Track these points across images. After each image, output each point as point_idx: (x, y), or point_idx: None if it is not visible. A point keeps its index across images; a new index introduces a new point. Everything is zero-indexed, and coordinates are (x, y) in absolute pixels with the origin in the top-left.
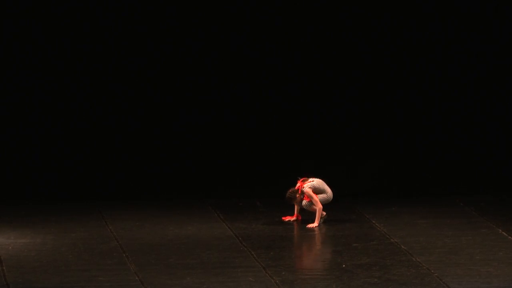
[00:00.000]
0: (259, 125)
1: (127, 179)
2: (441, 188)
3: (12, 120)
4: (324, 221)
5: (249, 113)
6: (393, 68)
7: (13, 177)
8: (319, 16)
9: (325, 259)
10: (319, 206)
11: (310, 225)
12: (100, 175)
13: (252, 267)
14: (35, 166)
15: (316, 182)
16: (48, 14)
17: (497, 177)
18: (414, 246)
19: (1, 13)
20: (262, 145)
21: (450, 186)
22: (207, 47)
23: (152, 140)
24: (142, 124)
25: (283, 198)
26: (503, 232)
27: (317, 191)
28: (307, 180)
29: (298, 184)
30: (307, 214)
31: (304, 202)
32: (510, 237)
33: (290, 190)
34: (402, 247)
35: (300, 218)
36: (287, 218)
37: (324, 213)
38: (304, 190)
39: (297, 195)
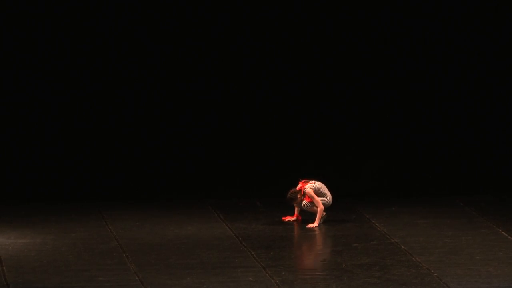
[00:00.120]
0: (259, 125)
1: (127, 179)
2: (441, 188)
3: (12, 120)
4: (324, 221)
5: (249, 113)
6: (393, 68)
7: (13, 177)
8: (319, 16)
9: (325, 259)
10: (320, 207)
11: (310, 225)
12: (100, 175)
13: (252, 267)
14: (35, 166)
15: (317, 185)
16: (48, 14)
17: (497, 177)
18: (414, 246)
19: (2, 13)
20: (262, 145)
21: (450, 186)
22: (207, 47)
23: (152, 140)
24: (142, 124)
25: (283, 198)
26: (503, 232)
27: (317, 193)
28: (308, 181)
29: (299, 185)
30: (307, 214)
31: (305, 202)
32: (510, 237)
33: (292, 191)
34: (402, 247)
35: (300, 218)
36: (287, 218)
37: (324, 213)
38: (306, 191)
39: (298, 196)
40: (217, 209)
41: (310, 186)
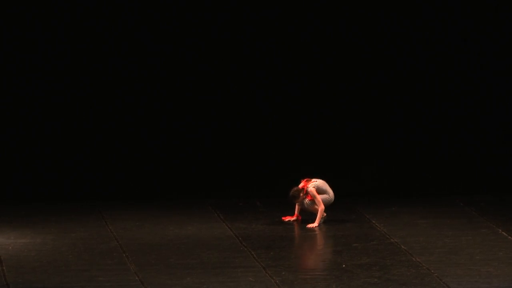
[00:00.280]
0: (259, 125)
1: (127, 179)
2: (441, 188)
3: (12, 120)
4: (324, 221)
5: (249, 113)
6: (393, 68)
7: (13, 177)
8: (319, 15)
9: (325, 259)
10: (321, 207)
11: (310, 225)
12: (100, 175)
13: (252, 267)
14: (35, 166)
15: (319, 183)
16: (47, 13)
17: (497, 177)
18: (414, 246)
19: (2, 13)
20: (262, 145)
21: (450, 186)
22: (208, 47)
23: (152, 140)
24: (142, 124)
25: (285, 196)
26: (503, 232)
27: (319, 191)
28: (310, 180)
29: (302, 184)
30: (307, 214)
31: (306, 201)
32: (510, 237)
33: (294, 189)
34: (402, 247)
35: (300, 218)
36: (287, 218)
37: (325, 214)
38: (309, 190)
39: (301, 194)
40: (217, 209)
41: (313, 185)
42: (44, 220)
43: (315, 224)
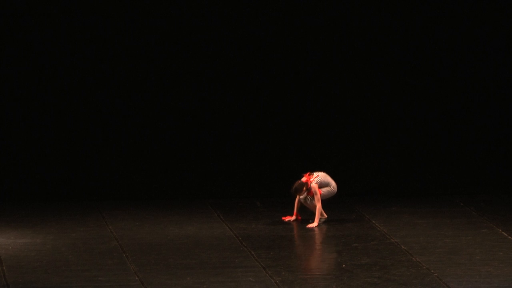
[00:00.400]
0: (259, 125)
1: (127, 179)
2: (441, 188)
3: (13, 120)
4: (324, 221)
5: (249, 113)
6: (394, 68)
7: (13, 177)
8: (318, 15)
9: (325, 259)
10: (319, 206)
11: (310, 225)
12: (100, 175)
13: (252, 267)
14: (35, 166)
15: (321, 176)
16: (46, 13)
17: (497, 177)
18: (414, 246)
19: (2, 13)
20: (262, 145)
21: (450, 186)
22: (208, 48)
23: (152, 140)
24: (142, 124)
25: (288, 191)
26: (503, 232)
27: (322, 185)
28: (312, 174)
29: (304, 178)
30: (307, 214)
31: (308, 197)
32: (510, 237)
33: (298, 182)
34: (402, 247)
35: (300, 218)
36: (287, 218)
37: (326, 216)
38: (312, 185)
39: (304, 188)
40: (217, 209)
41: (315, 181)
42: (44, 220)
43: (315, 224)
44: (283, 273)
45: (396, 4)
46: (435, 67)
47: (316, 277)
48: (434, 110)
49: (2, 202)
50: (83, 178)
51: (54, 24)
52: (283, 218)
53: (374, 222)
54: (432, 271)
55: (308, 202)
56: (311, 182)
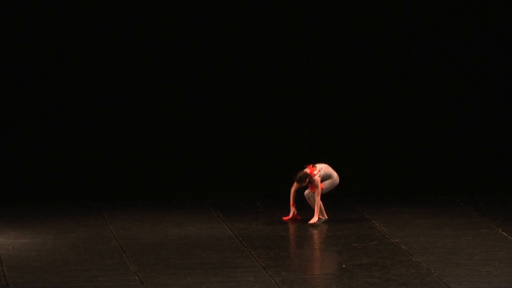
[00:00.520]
0: (259, 126)
1: (127, 179)
2: (441, 188)
3: (13, 121)
4: (324, 221)
5: (250, 114)
6: (394, 68)
7: (13, 177)
8: (317, 14)
9: (325, 259)
10: (318, 199)
11: (311, 221)
12: (100, 175)
13: (252, 267)
14: (35, 166)
15: (323, 168)
16: (44, 13)
17: (497, 177)
18: (414, 246)
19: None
20: (262, 145)
21: (450, 186)
22: (209, 47)
23: (152, 140)
24: (142, 124)
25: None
26: (503, 232)
27: (324, 177)
28: (315, 166)
29: (308, 169)
30: (307, 214)
31: (310, 194)
32: (510, 237)
33: (303, 172)
34: (402, 247)
35: (299, 218)
36: (288, 217)
37: (326, 217)
38: (314, 178)
39: (307, 179)
40: (217, 209)
41: (318, 174)
42: (44, 220)
43: (315, 219)
44: (283, 273)
45: (396, 4)
46: (435, 67)
47: (316, 277)
48: (434, 110)
49: (2, 202)
50: (83, 178)
51: (54, 23)
52: (284, 218)
53: (374, 222)
54: (432, 271)
55: (312, 199)
56: (314, 175)
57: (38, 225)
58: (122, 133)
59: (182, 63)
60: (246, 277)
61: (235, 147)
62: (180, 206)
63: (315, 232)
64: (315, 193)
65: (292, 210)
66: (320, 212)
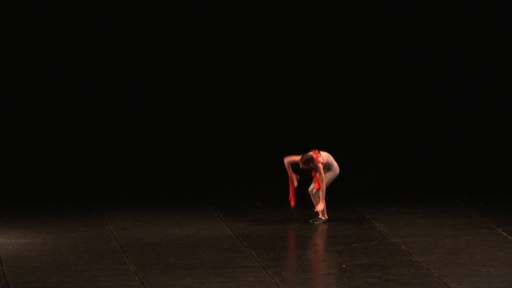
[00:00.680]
0: (259, 126)
1: (127, 179)
2: (441, 188)
3: (13, 121)
4: (324, 221)
5: (250, 114)
6: (394, 69)
7: (13, 177)
8: (316, 14)
9: (325, 259)
10: (324, 186)
11: (318, 208)
12: (100, 175)
13: (252, 267)
14: (35, 166)
15: (325, 156)
16: (43, 12)
17: (497, 177)
18: (414, 246)
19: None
20: (263, 145)
21: (450, 186)
22: (211, 47)
23: (152, 140)
24: (142, 124)
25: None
26: (503, 232)
27: (325, 167)
28: (320, 153)
29: (314, 154)
30: (308, 215)
31: (312, 188)
32: (510, 237)
33: (308, 154)
34: (402, 247)
35: (296, 181)
36: (292, 197)
37: (326, 217)
38: (318, 165)
39: (311, 164)
40: (217, 209)
41: (322, 161)
42: (44, 220)
43: (321, 205)
44: (283, 273)
45: (396, 4)
46: (435, 68)
47: (316, 277)
48: (434, 110)
49: (2, 202)
50: (83, 178)
51: (54, 23)
52: (291, 196)
53: (374, 222)
54: (432, 271)
55: (316, 196)
56: (319, 162)
57: (38, 225)
58: (122, 133)
59: (182, 63)
60: (246, 277)
61: (235, 147)
62: (180, 206)
63: (315, 232)
64: (320, 178)
65: (294, 177)
66: (321, 212)
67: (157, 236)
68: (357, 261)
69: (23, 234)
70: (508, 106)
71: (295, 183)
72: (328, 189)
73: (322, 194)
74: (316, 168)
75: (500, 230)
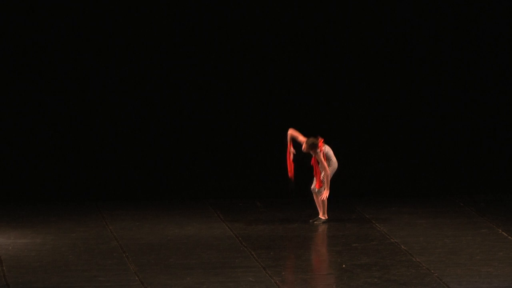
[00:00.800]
0: (259, 126)
1: (127, 179)
2: (441, 188)
3: (13, 121)
4: (324, 221)
5: (250, 114)
6: (394, 69)
7: (13, 177)
8: (317, 14)
9: (325, 259)
10: (327, 172)
11: (323, 196)
12: (100, 175)
13: (252, 267)
14: (35, 166)
15: (327, 149)
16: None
17: (497, 177)
18: (414, 246)
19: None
20: (263, 146)
21: (450, 186)
22: (211, 47)
23: (152, 140)
24: (142, 124)
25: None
26: (503, 232)
27: (326, 159)
28: (324, 145)
29: (319, 142)
30: (309, 214)
31: (314, 186)
32: (510, 237)
33: (315, 139)
34: (402, 247)
35: (294, 151)
36: (290, 168)
37: (326, 217)
38: (320, 153)
39: (313, 150)
40: (217, 209)
41: (324, 151)
42: (44, 220)
43: (326, 193)
44: (283, 273)
45: (396, 3)
46: (435, 67)
47: (316, 277)
48: (434, 110)
49: (2, 202)
50: (83, 178)
51: (54, 23)
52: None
53: (374, 222)
54: (432, 271)
55: (317, 193)
56: (321, 150)
57: (38, 225)
58: (122, 133)
59: (182, 63)
60: (246, 277)
61: (235, 147)
62: (180, 206)
63: (315, 232)
64: (322, 166)
65: (292, 151)
66: (322, 212)
67: (157, 236)
68: (357, 261)
69: (23, 234)
70: (508, 106)
71: (291, 157)
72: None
73: (326, 180)
74: (317, 156)
75: (500, 230)
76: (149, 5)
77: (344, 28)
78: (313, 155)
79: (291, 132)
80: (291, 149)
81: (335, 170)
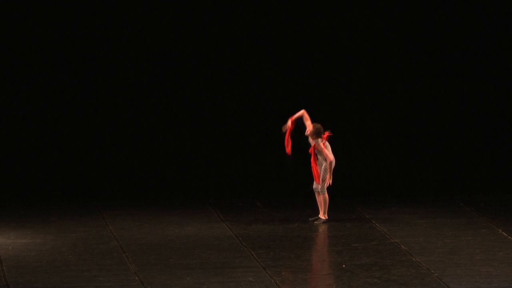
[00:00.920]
0: (259, 126)
1: (126, 179)
2: (441, 188)
3: (13, 121)
4: (324, 221)
5: (250, 114)
6: (394, 69)
7: (13, 177)
8: (317, 13)
9: (325, 259)
10: (331, 159)
11: (327, 183)
12: (100, 175)
13: (252, 267)
14: (35, 166)
15: (328, 145)
16: (47, 12)
17: (497, 177)
18: (414, 246)
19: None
20: (263, 146)
21: (450, 186)
22: (210, 47)
23: (152, 140)
24: (142, 125)
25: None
26: (503, 232)
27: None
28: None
29: (325, 133)
30: (309, 214)
31: (317, 185)
32: (510, 237)
33: (321, 128)
34: (402, 247)
35: (293, 121)
36: (287, 143)
37: (326, 217)
38: (321, 145)
39: (317, 138)
40: (217, 209)
41: (326, 145)
42: (44, 220)
43: (329, 180)
44: (283, 273)
45: (396, 3)
46: (435, 68)
47: (316, 277)
48: (434, 110)
49: (2, 202)
50: (83, 178)
51: (54, 23)
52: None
53: (374, 222)
54: (432, 271)
55: (320, 191)
56: (325, 141)
57: (38, 225)
58: (122, 134)
59: (181, 64)
60: (246, 277)
61: (235, 147)
62: (180, 206)
63: (315, 232)
64: (325, 155)
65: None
66: (323, 211)
67: (157, 236)
68: (357, 261)
69: (23, 234)
70: (508, 106)
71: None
72: (329, 189)
73: (329, 168)
74: (316, 144)
75: (500, 230)
76: (149, 5)
77: (344, 28)
78: (312, 144)
79: (304, 112)
80: (290, 124)
81: (333, 166)
